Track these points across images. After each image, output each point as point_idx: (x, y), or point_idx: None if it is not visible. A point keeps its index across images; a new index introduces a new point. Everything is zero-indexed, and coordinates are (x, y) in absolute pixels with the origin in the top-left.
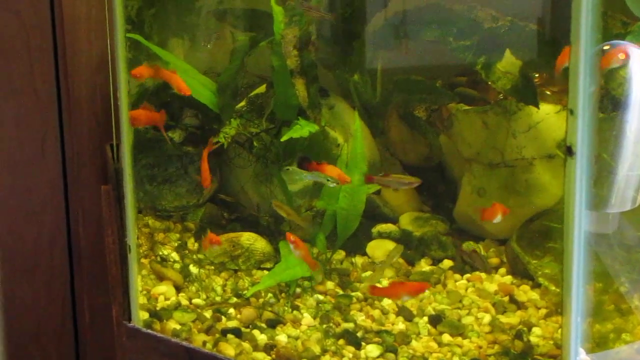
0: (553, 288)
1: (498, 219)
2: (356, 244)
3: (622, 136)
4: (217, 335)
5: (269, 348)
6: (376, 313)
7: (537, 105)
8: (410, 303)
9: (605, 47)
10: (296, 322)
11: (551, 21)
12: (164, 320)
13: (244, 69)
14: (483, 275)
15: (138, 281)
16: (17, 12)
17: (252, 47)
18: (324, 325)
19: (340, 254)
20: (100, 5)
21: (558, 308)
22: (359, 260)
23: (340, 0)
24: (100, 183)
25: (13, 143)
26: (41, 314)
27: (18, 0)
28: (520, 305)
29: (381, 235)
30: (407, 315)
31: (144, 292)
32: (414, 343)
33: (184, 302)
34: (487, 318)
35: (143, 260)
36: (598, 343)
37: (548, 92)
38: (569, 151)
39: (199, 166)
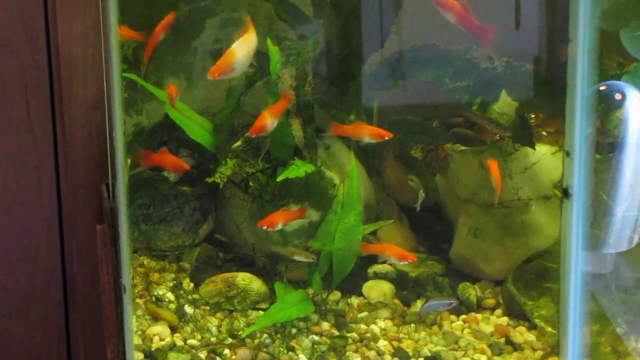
0: (550, 329)
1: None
2: (352, 285)
3: (619, 177)
4: None
5: None
6: (372, 354)
7: (533, 146)
8: (407, 344)
9: (602, 88)
10: None
11: (548, 61)
12: None
13: (240, 109)
14: (479, 316)
15: (133, 321)
16: (14, 51)
17: (249, 87)
18: None
19: (336, 295)
20: (96, 45)
21: (555, 349)
22: (355, 300)
23: (338, 41)
24: (96, 222)
25: (9, 181)
26: (35, 354)
27: (15, 39)
28: (516, 347)
29: (377, 276)
30: (402, 356)
31: (139, 332)
32: None
33: (179, 342)
34: None
35: (138, 300)
36: None
37: (544, 133)
38: (566, 193)
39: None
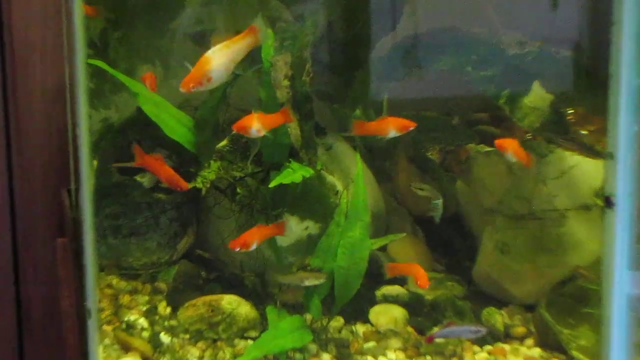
0: None
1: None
2: (357, 309)
3: None
4: None
5: None
6: None
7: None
8: None
9: None
10: None
11: (589, 46)
12: None
13: (226, 102)
14: (507, 346)
15: (99, 352)
16: None
17: (236, 77)
18: None
19: (339, 321)
20: (57, 28)
21: None
22: (360, 328)
23: (341, 23)
24: (56, 235)
25: None
26: None
27: None
28: None
29: (387, 299)
30: None
31: None
32: None
33: None
34: None
35: (105, 327)
36: None
37: (584, 132)
38: (608, 202)
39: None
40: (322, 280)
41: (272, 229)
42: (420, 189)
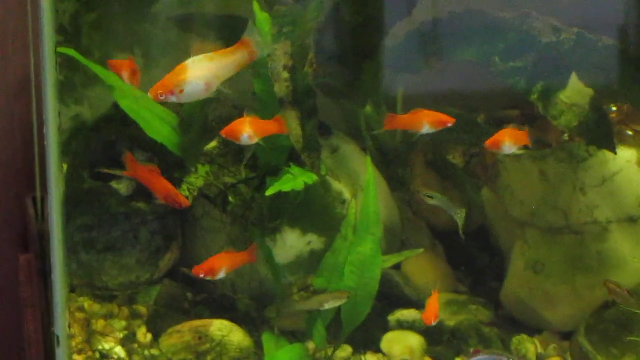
0: None
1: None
2: (367, 337)
3: None
4: None
5: None
6: None
7: (613, 150)
8: None
9: None
10: None
11: (635, 33)
12: None
13: (216, 97)
14: None
15: None
16: None
17: None
18: None
19: (346, 350)
20: (20, 11)
21: None
22: (370, 358)
23: (349, 5)
24: (18, 251)
25: None
26: None
27: None
28: None
29: (401, 325)
30: None
31: None
32: None
33: None
34: None
35: (76, 356)
36: None
37: (629, 132)
38: None
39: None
40: (344, 300)
41: (243, 256)
42: (430, 197)
